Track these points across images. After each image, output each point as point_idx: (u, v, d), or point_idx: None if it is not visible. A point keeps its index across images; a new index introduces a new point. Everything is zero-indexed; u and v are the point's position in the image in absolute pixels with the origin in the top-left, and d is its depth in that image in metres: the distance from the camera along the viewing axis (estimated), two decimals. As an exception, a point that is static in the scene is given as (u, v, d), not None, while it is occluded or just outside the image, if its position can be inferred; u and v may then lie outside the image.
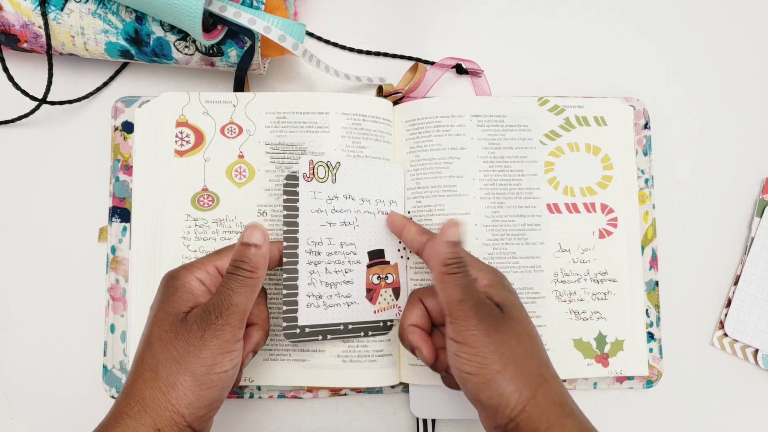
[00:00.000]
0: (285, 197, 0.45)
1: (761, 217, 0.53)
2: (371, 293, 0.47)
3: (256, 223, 0.39)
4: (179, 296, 0.37)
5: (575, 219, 0.50)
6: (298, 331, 0.44)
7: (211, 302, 0.36)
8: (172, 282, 0.38)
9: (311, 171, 0.45)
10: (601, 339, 0.48)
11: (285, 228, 0.45)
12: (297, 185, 0.45)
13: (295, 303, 0.44)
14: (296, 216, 0.45)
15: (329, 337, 0.45)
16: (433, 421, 0.48)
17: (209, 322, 0.35)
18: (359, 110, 0.49)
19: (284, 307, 0.44)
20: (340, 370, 0.46)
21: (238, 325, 0.36)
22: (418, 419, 0.48)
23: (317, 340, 0.45)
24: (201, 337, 0.35)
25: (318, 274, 0.45)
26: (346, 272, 0.46)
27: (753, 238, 0.52)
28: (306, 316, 0.44)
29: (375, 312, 0.46)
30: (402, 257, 0.48)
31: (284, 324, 0.44)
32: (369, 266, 0.47)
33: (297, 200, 0.45)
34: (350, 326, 0.46)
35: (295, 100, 0.49)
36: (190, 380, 0.34)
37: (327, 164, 0.46)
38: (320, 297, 0.45)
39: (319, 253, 0.45)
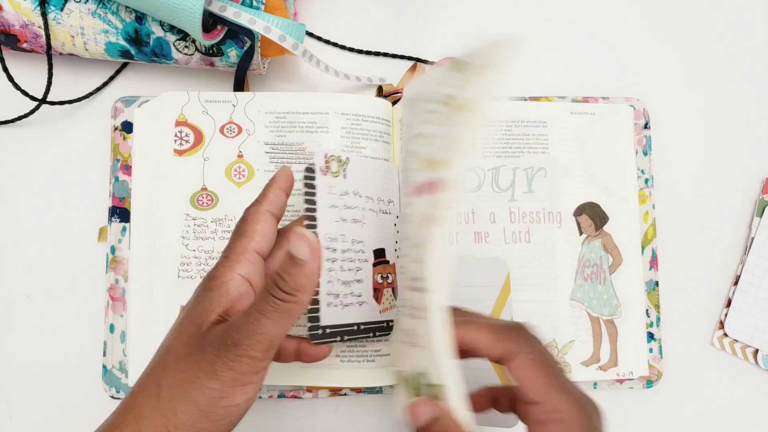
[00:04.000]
0: (305, 190, 0.42)
1: (761, 217, 0.52)
2: (377, 293, 0.46)
3: (304, 232, 0.31)
4: (210, 300, 0.30)
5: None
6: (320, 331, 0.41)
7: (233, 323, 0.30)
8: (208, 282, 0.31)
9: (326, 164, 0.43)
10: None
11: (305, 223, 0.42)
12: (315, 178, 0.42)
13: (317, 302, 0.41)
14: (314, 210, 0.42)
15: (345, 338, 0.43)
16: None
17: (224, 348, 0.29)
18: (359, 110, 0.49)
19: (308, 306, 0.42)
20: (339, 369, 0.46)
21: (261, 356, 0.29)
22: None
23: (336, 341, 0.42)
24: (212, 363, 0.29)
25: (335, 272, 0.42)
26: (357, 270, 0.44)
27: (753, 238, 0.52)
28: (327, 317, 0.42)
29: (380, 312, 0.46)
30: (398, 257, 0.48)
31: (308, 324, 0.41)
32: (374, 265, 0.46)
33: (315, 194, 0.42)
34: (362, 326, 0.44)
35: (294, 100, 0.49)
36: (194, 411, 0.29)
37: (338, 159, 0.45)
38: (338, 296, 0.43)
39: (335, 250, 0.43)
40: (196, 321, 0.30)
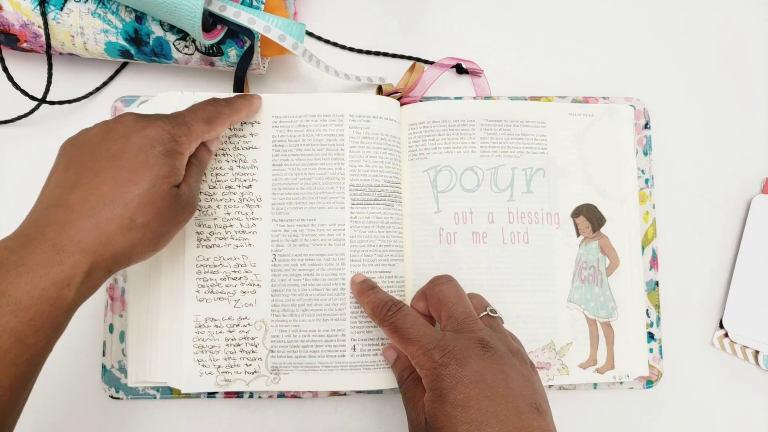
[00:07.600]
0: None
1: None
2: None
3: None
4: (177, 169, 0.38)
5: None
6: None
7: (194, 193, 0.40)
8: (175, 147, 0.38)
9: None
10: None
11: None
12: None
13: None
14: None
15: None
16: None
17: (186, 207, 0.39)
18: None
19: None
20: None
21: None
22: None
23: None
24: (180, 214, 0.39)
25: None
26: None
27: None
28: None
29: None
30: None
31: None
32: None
33: None
34: None
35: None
36: (150, 241, 0.37)
37: None
38: None
39: None
40: (169, 182, 0.38)
